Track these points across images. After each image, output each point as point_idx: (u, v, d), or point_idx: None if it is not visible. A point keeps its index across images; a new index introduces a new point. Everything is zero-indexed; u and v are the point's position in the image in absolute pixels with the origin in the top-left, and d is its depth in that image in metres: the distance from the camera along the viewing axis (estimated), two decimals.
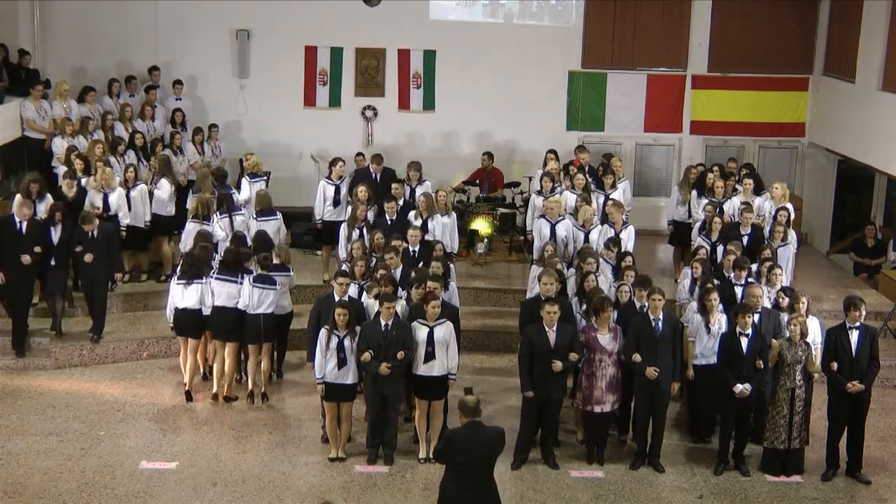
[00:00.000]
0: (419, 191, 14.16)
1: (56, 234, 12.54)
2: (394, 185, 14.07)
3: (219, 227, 13.12)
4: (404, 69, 17.80)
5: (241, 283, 11.61)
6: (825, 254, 17.66)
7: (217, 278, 11.70)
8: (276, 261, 12.00)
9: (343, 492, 9.97)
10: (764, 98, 18.10)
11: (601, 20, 17.75)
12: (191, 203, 13.54)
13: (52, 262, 12.58)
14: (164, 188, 14.09)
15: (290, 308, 12.35)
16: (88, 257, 12.54)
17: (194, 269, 11.71)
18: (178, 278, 11.74)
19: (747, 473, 10.57)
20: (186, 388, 11.92)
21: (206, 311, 11.68)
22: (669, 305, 11.24)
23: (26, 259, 12.27)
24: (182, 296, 11.69)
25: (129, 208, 13.56)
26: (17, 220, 12.38)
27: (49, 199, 13.03)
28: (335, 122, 17.80)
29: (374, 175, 14.89)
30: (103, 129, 15.43)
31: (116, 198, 13.40)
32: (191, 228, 12.97)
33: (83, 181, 13.54)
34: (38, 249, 12.31)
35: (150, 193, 14.01)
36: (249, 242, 12.58)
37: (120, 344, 13.03)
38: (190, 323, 11.74)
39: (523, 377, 10.42)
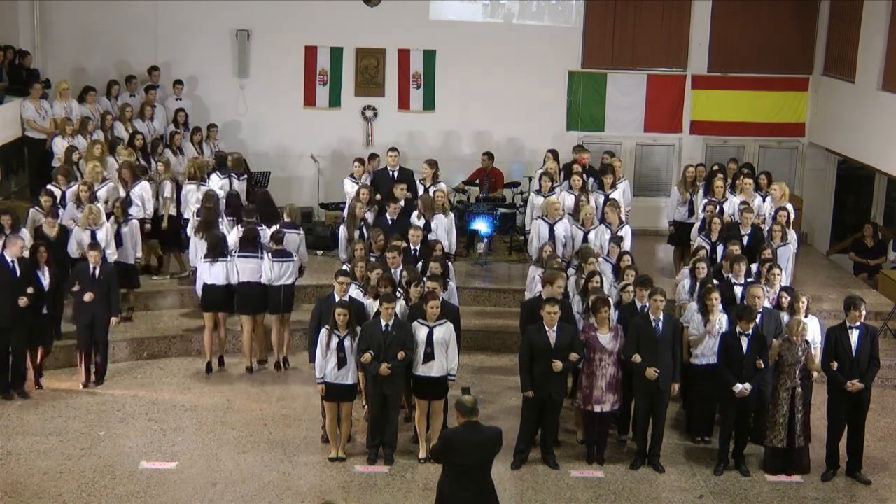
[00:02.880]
0: (432, 190, 14.13)
1: (45, 279, 11.70)
2: (398, 187, 14.01)
3: (218, 189, 13.85)
4: (404, 69, 17.80)
5: (262, 259, 12.41)
6: (825, 254, 17.66)
7: (239, 256, 12.48)
8: (286, 219, 13.17)
9: (343, 492, 9.96)
10: (764, 98, 18.10)
11: (601, 20, 17.76)
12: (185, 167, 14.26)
13: (45, 311, 11.73)
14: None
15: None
16: (89, 296, 11.74)
17: (219, 247, 12.42)
18: (205, 256, 12.45)
19: (747, 473, 10.57)
20: (207, 359, 12.65)
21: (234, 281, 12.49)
22: (669, 306, 11.24)
23: (23, 301, 11.35)
24: (209, 273, 12.39)
25: (120, 244, 12.88)
26: (9, 258, 11.44)
27: (24, 232, 12.20)
28: (335, 122, 17.81)
29: (391, 174, 14.80)
30: (103, 129, 15.44)
31: (104, 234, 12.56)
32: (190, 189, 13.72)
33: (61, 212, 12.98)
34: (30, 290, 11.42)
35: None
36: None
37: (120, 344, 13.02)
38: (217, 298, 12.50)
39: (523, 377, 10.42)
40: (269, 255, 12.43)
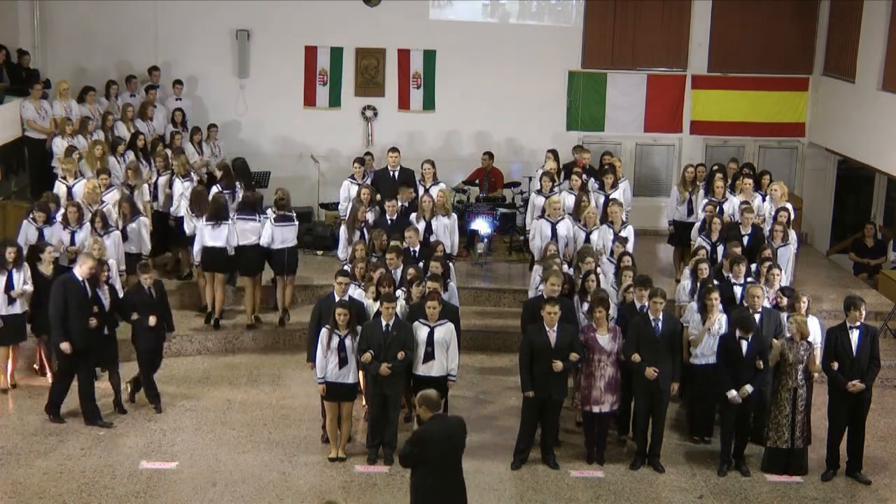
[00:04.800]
0: (433, 191, 14.10)
1: (105, 298, 11.19)
2: (401, 189, 13.97)
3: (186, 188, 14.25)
4: (404, 69, 17.80)
5: (259, 222, 13.21)
6: (825, 254, 17.67)
7: (238, 218, 13.24)
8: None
9: (343, 492, 9.96)
10: (764, 98, 18.10)
11: (601, 20, 17.75)
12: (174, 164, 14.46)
13: (106, 332, 11.20)
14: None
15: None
16: (153, 320, 11.22)
17: (221, 212, 13.12)
18: (207, 219, 13.07)
19: (747, 473, 10.57)
20: (215, 316, 13.38)
21: (231, 251, 13.14)
22: (669, 306, 11.25)
23: (93, 322, 10.91)
24: (210, 235, 13.04)
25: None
26: (80, 278, 10.87)
27: (26, 268, 11.51)
28: (335, 122, 17.81)
29: (391, 174, 14.77)
30: (103, 129, 15.43)
31: (115, 280, 11.79)
32: (186, 186, 14.02)
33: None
34: (96, 309, 10.98)
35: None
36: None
37: (120, 343, 12.93)
38: (217, 259, 13.18)
39: (523, 377, 10.42)
40: (272, 219, 13.16)
